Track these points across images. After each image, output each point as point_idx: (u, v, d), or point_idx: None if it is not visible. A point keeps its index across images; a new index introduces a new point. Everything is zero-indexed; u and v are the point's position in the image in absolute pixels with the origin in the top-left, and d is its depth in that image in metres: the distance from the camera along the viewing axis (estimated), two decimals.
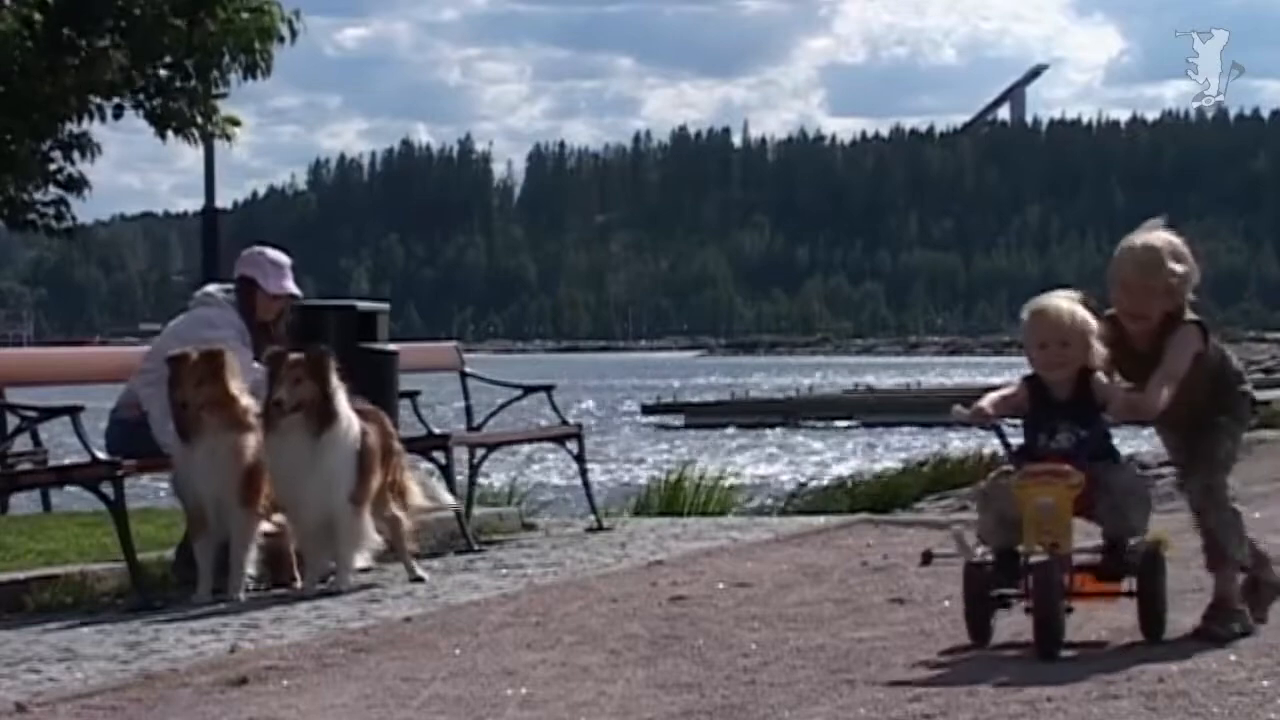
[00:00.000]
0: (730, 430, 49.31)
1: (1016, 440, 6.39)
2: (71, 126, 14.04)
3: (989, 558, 6.22)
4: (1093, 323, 6.24)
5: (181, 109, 13.83)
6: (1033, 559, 6.03)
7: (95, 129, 14.18)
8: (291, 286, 9.12)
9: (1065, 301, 6.27)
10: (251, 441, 8.33)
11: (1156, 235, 6.35)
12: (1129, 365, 6.35)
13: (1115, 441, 6.41)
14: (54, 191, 14.52)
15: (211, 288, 9.30)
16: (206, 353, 8.38)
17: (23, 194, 14.27)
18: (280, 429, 8.28)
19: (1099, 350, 6.24)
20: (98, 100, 13.75)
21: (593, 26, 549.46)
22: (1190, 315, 6.34)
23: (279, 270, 9.10)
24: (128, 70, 13.45)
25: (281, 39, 13.82)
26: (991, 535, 6.22)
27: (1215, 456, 6.45)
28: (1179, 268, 6.28)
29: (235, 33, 13.55)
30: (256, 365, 8.69)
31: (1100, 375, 6.22)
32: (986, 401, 6.32)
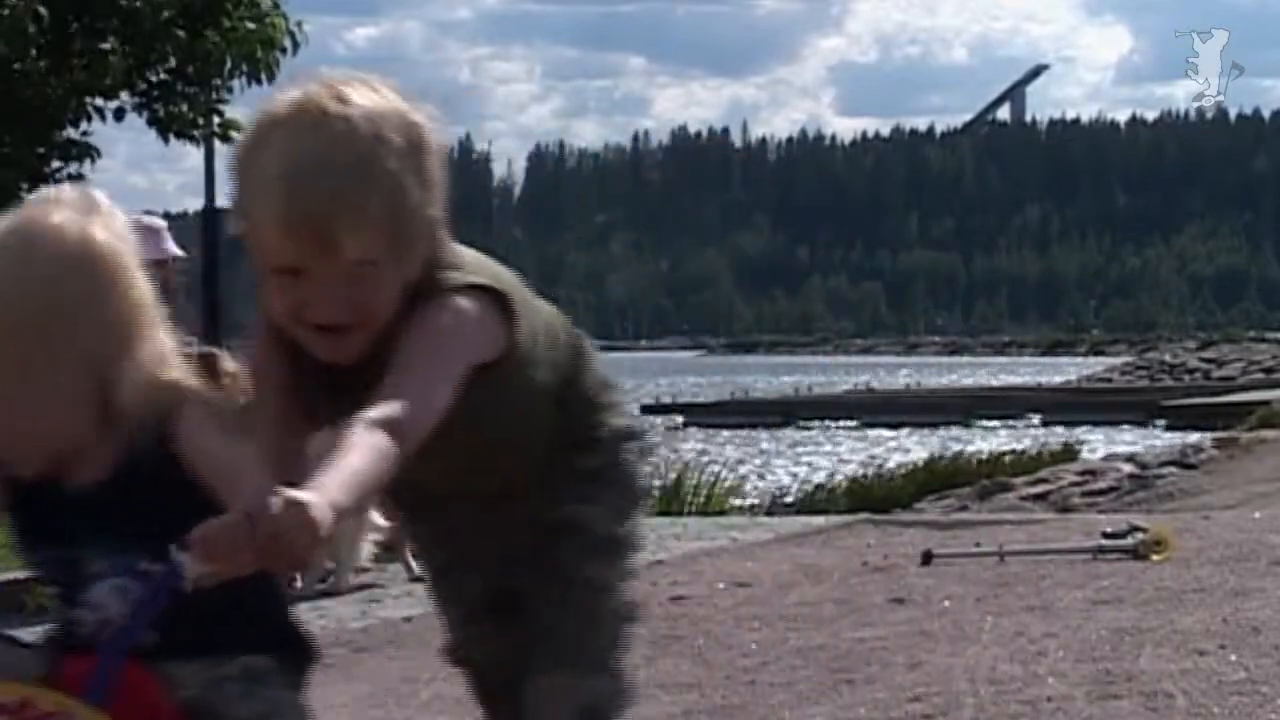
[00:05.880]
0: (730, 430, 49.32)
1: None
2: (71, 130, 14.03)
3: None
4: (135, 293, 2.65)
5: (183, 112, 13.84)
6: None
7: (102, 130, 14.17)
8: (172, 249, 9.03)
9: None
10: None
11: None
12: (334, 402, 2.73)
13: None
14: None
15: None
16: (203, 354, 8.40)
17: (18, 197, 14.20)
18: None
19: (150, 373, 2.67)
20: (99, 103, 13.77)
21: (604, 26, 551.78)
22: (455, 275, 2.76)
23: (155, 235, 9.04)
24: (129, 74, 13.47)
25: (284, 50, 13.85)
26: None
27: (591, 633, 2.77)
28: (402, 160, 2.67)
29: (238, 42, 13.58)
30: None
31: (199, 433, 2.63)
32: None
